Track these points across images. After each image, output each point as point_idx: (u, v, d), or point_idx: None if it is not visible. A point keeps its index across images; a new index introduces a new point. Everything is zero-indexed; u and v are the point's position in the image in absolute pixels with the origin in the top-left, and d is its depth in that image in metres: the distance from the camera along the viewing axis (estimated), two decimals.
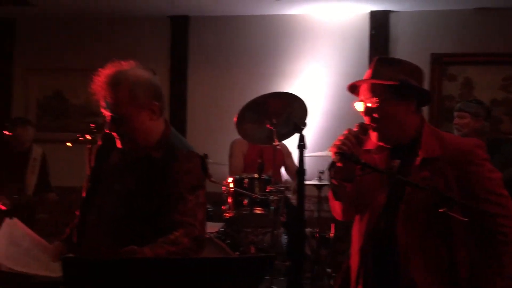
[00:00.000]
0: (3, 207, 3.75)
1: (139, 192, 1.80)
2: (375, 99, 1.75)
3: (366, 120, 1.79)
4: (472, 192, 1.70)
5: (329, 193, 1.87)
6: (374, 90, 1.76)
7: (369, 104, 1.76)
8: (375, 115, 1.75)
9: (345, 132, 1.72)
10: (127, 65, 1.82)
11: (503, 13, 4.79)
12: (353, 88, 1.85)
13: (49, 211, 4.68)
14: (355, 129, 1.73)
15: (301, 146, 1.57)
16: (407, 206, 1.70)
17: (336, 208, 1.87)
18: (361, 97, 1.80)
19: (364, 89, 1.80)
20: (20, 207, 3.87)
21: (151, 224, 1.78)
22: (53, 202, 4.04)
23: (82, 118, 5.24)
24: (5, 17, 5.44)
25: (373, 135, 1.79)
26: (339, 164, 1.69)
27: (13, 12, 5.27)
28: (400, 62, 1.82)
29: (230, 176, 3.70)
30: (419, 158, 1.71)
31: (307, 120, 3.27)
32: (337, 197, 1.81)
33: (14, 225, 1.96)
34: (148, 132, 1.83)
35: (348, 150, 1.65)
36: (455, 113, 3.48)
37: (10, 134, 3.91)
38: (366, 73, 1.83)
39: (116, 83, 1.77)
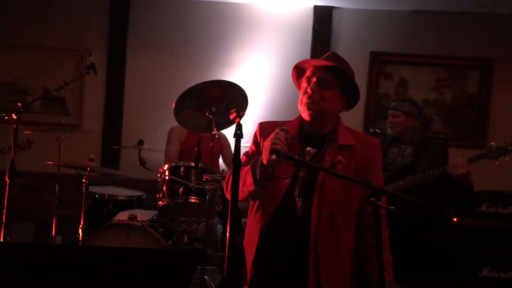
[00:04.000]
0: None
1: None
2: (331, 79, 1.95)
3: (304, 98, 1.98)
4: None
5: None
6: (330, 75, 1.96)
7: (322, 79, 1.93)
8: (323, 94, 1.95)
9: (276, 132, 1.86)
10: None
11: (438, 17, 5.00)
12: (299, 70, 2.05)
13: None
14: (282, 131, 1.86)
15: (238, 135, 1.57)
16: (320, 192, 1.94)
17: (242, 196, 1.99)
18: (312, 74, 1.97)
19: (318, 69, 1.97)
20: None
21: None
22: None
23: (10, 96, 4.94)
24: None
25: (306, 114, 1.98)
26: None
27: None
28: (347, 62, 2.05)
29: (166, 164, 3.62)
30: (338, 144, 1.99)
31: (247, 111, 3.26)
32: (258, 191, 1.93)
33: None
34: None
35: (282, 149, 1.81)
36: (390, 112, 3.58)
37: None
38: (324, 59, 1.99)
39: None
